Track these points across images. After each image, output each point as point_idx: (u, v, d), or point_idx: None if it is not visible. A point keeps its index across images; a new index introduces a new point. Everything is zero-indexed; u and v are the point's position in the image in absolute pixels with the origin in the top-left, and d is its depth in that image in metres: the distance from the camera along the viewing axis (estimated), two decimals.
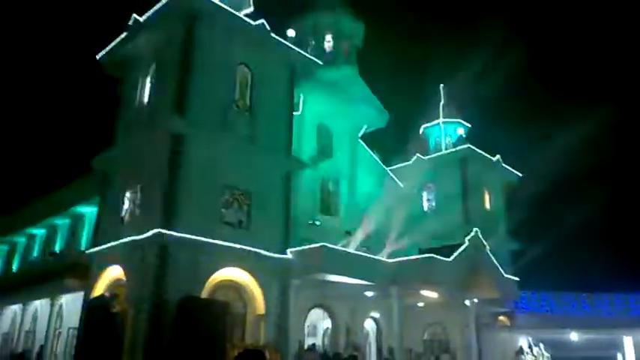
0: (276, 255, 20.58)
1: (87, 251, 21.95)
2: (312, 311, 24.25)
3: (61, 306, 24.33)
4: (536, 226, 38.29)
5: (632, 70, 67.80)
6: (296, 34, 25.54)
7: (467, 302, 25.48)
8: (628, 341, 27.54)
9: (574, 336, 28.62)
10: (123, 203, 20.61)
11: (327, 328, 25.41)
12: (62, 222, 28.40)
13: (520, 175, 35.16)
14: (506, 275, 26.38)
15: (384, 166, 32.36)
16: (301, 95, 26.53)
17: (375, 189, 30.30)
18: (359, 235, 26.61)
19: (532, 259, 33.10)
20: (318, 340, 25.31)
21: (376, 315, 26.79)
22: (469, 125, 35.86)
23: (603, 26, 67.57)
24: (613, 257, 44.68)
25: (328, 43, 31.10)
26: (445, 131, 35.45)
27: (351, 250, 23.88)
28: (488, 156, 33.28)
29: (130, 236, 18.91)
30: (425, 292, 23.93)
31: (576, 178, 50.47)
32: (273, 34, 22.54)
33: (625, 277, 36.78)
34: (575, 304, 28.52)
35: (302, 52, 24.43)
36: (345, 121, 29.33)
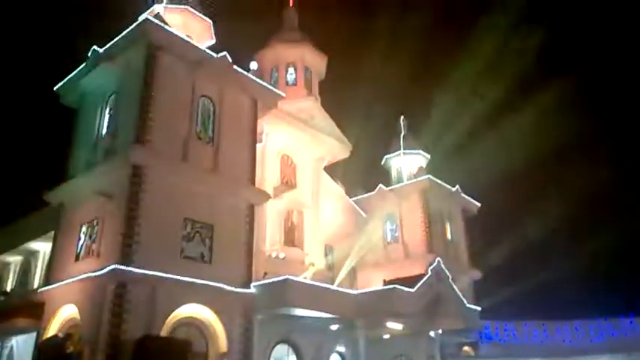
0: (239, 290, 20.12)
1: (40, 289, 20.92)
2: (277, 347, 23.67)
3: (11, 348, 22.97)
4: (495, 256, 38.91)
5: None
6: (259, 66, 25.70)
7: (431, 333, 25.48)
8: None
9: None
10: (79, 239, 19.85)
11: None
12: (14, 259, 27.10)
13: (478, 204, 35.93)
14: (468, 305, 26.56)
15: (347, 197, 32.48)
16: (265, 126, 26.53)
17: (338, 220, 30.32)
18: (323, 267, 26.42)
19: (493, 289, 33.54)
20: None
21: (342, 349, 26.38)
22: (429, 156, 36.60)
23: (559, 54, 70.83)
24: (572, 285, 45.81)
25: (291, 75, 31.44)
26: (406, 162, 36.04)
27: (315, 282, 23.60)
28: (448, 186, 33.94)
29: (85, 273, 18.15)
30: (390, 324, 23.78)
31: (535, 207, 51.96)
32: (235, 67, 22.59)
33: (584, 305, 37.72)
34: (537, 332, 28.92)
35: (265, 84, 24.56)
36: (308, 151, 29.45)
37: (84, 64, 22.12)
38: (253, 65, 24.43)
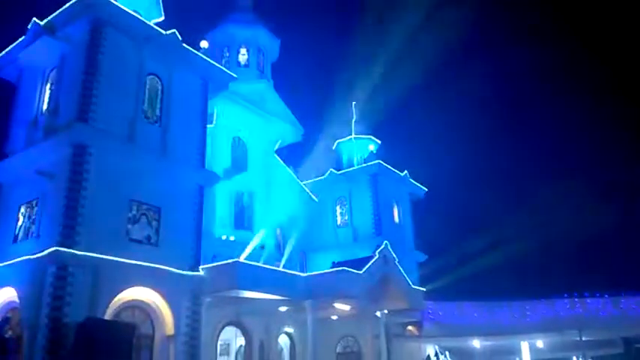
0: (187, 272, 19.91)
1: None
2: (225, 329, 23.68)
3: None
4: (439, 239, 40.19)
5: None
6: (210, 46, 25.18)
7: (377, 313, 26.13)
8: (525, 346, 29.53)
9: (477, 343, 30.25)
10: (17, 219, 19.04)
11: (241, 346, 24.92)
12: None
13: (425, 190, 36.90)
14: (413, 286, 27.37)
15: (298, 181, 32.58)
16: (215, 107, 26.13)
17: (289, 203, 30.39)
18: (273, 250, 26.49)
19: (437, 270, 34.70)
20: (231, 359, 24.74)
21: (290, 330, 26.70)
22: (379, 141, 37.14)
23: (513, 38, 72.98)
24: (511, 268, 47.93)
25: (243, 56, 31.07)
26: (357, 147, 36.45)
27: (264, 265, 23.68)
28: (397, 171, 34.63)
29: (24, 255, 17.46)
30: (338, 305, 24.22)
31: (479, 193, 53.84)
32: (185, 45, 22.05)
33: (522, 287, 39.65)
34: (477, 312, 30.15)
35: (215, 64, 24.09)
36: (260, 134, 29.29)
37: (23, 37, 20.99)
38: (204, 44, 23.92)
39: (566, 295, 30.34)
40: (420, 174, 36.79)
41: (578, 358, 29.10)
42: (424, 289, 28.70)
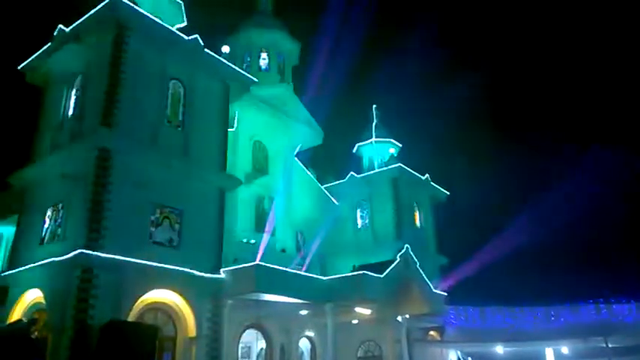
0: (209, 275, 20.06)
1: (3, 273, 20.42)
2: (246, 332, 23.77)
3: None
4: (462, 243, 39.74)
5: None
6: (231, 50, 25.39)
7: (399, 318, 25.94)
8: (549, 352, 28.97)
9: (500, 349, 29.77)
10: (43, 222, 19.43)
11: (262, 349, 24.98)
12: None
13: (447, 193, 36.55)
14: (435, 290, 27.12)
15: (319, 184, 32.60)
16: (236, 112, 26.31)
17: (310, 207, 30.43)
18: (294, 253, 26.53)
19: (459, 275, 34.28)
20: None
21: (311, 334, 26.68)
22: (400, 145, 36.95)
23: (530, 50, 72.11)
24: (535, 272, 47.18)
25: (264, 60, 31.21)
26: (377, 150, 36.34)
27: (286, 268, 23.70)
28: (418, 175, 34.40)
29: (50, 257, 17.80)
30: (358, 309, 24.13)
31: (502, 196, 53.11)
32: (206, 50, 22.29)
33: (545, 291, 38.94)
34: (500, 317, 29.71)
35: (236, 68, 24.31)
36: (280, 138, 29.37)
37: (50, 43, 21.47)
38: (225, 49, 24.14)
39: (591, 301, 29.69)
40: (441, 178, 36.52)
41: None
42: (446, 294, 28.41)
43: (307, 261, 26.94)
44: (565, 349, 29.47)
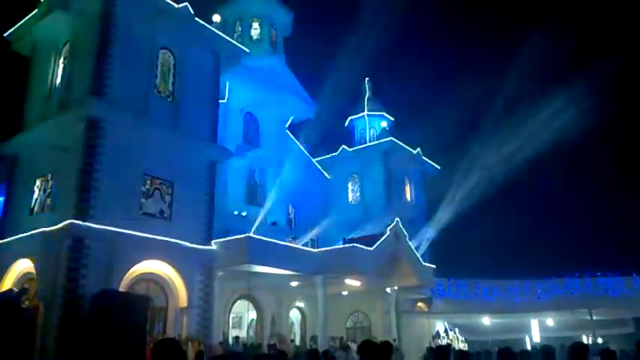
0: (200, 246, 20.14)
1: None
2: (237, 303, 24.03)
3: None
4: (452, 217, 40.09)
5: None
6: (222, 20, 24.96)
7: (388, 290, 26.31)
8: (535, 324, 29.63)
9: (486, 320, 30.40)
10: (33, 192, 19.32)
11: (253, 320, 25.30)
12: None
13: (438, 167, 36.68)
14: (424, 263, 27.44)
15: (310, 157, 32.55)
16: (227, 83, 26.03)
17: (301, 179, 30.43)
18: (285, 226, 26.65)
19: (448, 248, 34.73)
20: (243, 332, 25.15)
21: (301, 305, 27.03)
22: (392, 118, 36.85)
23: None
24: (523, 246, 47.87)
25: (255, 30, 30.73)
26: (370, 124, 36.23)
27: (276, 240, 23.83)
28: (410, 149, 34.42)
29: (40, 227, 17.76)
30: (348, 281, 24.41)
31: (493, 172, 53.36)
32: (197, 19, 21.89)
33: (533, 265, 39.59)
34: (487, 290, 30.21)
35: (228, 38, 23.94)
36: (272, 110, 29.16)
37: (36, 10, 20.98)
38: (216, 18, 23.75)
39: (577, 274, 30.24)
40: (432, 152, 36.53)
41: (588, 337, 29.09)
42: (434, 266, 28.77)
43: (298, 233, 27.08)
44: (550, 321, 30.15)
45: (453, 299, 29.99)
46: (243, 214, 25.95)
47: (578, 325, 29.75)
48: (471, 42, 69.83)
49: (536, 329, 29.52)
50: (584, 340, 27.57)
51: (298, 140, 32.00)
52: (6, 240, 19.39)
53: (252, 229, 21.83)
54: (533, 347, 26.78)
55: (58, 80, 20.44)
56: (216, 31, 22.97)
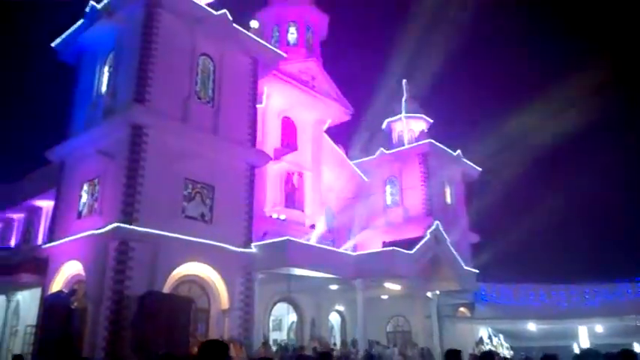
0: (240, 249, 20.35)
1: (44, 246, 21.18)
2: (277, 305, 24.17)
3: (17, 303, 23.39)
4: (495, 220, 39.21)
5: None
6: (259, 25, 25.26)
7: (429, 294, 25.92)
8: (583, 330, 28.57)
9: (532, 326, 29.51)
10: (80, 197, 19.97)
11: (293, 322, 25.38)
12: (17, 216, 27.33)
13: (479, 169, 35.96)
14: (466, 267, 26.92)
15: (348, 160, 32.49)
16: (265, 87, 26.30)
17: (339, 182, 30.41)
18: (324, 229, 26.64)
19: (491, 252, 33.94)
20: (283, 334, 25.28)
21: (341, 308, 26.94)
22: (431, 120, 36.38)
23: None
24: (569, 250, 46.32)
25: (292, 35, 30.96)
26: (407, 126, 35.86)
27: (315, 243, 23.87)
28: (449, 150, 33.89)
29: (88, 230, 18.33)
30: (388, 285, 24.18)
31: (536, 173, 52.04)
32: (235, 25, 22.22)
33: (580, 269, 38.23)
34: (533, 295, 29.37)
35: (265, 43, 24.19)
36: (309, 114, 29.28)
37: (81, 20, 21.74)
38: (254, 24, 24.03)
39: (627, 279, 29.06)
40: (474, 154, 35.85)
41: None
42: (477, 271, 28.19)
43: (337, 237, 27.04)
44: (599, 328, 29.02)
45: (497, 304, 29.29)
46: (282, 217, 26.10)
47: (629, 332, 28.51)
48: (509, 39, 68.32)
49: (585, 336, 28.46)
50: (637, 348, 26.39)
51: (336, 143, 32.00)
52: (56, 243, 20.10)
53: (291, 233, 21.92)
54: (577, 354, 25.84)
55: (103, 88, 21.09)
56: (254, 37, 23.25)
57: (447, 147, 33.79)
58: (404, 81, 37.15)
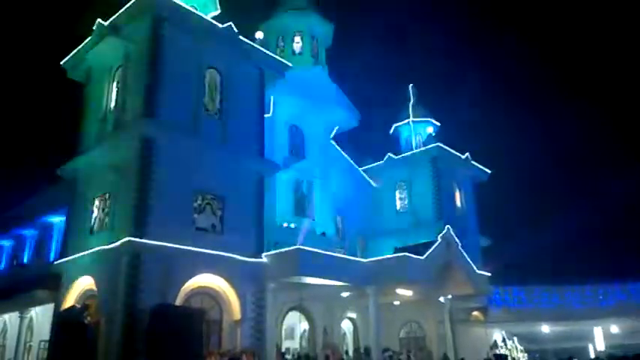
0: (251, 259, 20.42)
1: (56, 262, 21.37)
2: (289, 314, 24.16)
3: (31, 319, 23.62)
4: (505, 222, 39.01)
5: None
6: (264, 35, 25.41)
7: (441, 299, 25.82)
8: (598, 332, 28.31)
9: (546, 328, 29.31)
10: (92, 212, 20.16)
11: (305, 330, 25.36)
12: (30, 232, 27.61)
13: (489, 172, 35.78)
14: (478, 271, 26.78)
15: (356, 166, 32.50)
16: (272, 97, 26.43)
17: (348, 189, 30.40)
18: (334, 236, 26.64)
19: (502, 255, 33.72)
20: (295, 343, 25.26)
21: (353, 315, 26.89)
22: (438, 124, 36.30)
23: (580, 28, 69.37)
24: (581, 250, 45.91)
25: (297, 44, 31.09)
26: (415, 130, 35.80)
27: (326, 251, 23.85)
28: (458, 154, 33.77)
29: (100, 245, 18.50)
30: (400, 291, 24.11)
31: (545, 174, 51.72)
32: (241, 37, 22.39)
33: (593, 269, 37.85)
34: (546, 296, 29.15)
35: (271, 54, 24.36)
36: (316, 121, 29.33)
37: (89, 38, 22.02)
38: (259, 35, 24.18)
39: None
40: (483, 157, 35.68)
41: None
42: (489, 274, 28.02)
43: (348, 244, 27.03)
44: (615, 328, 28.74)
45: (510, 307, 29.11)
46: (292, 225, 26.14)
47: None
48: (515, 43, 68.08)
49: (600, 337, 28.19)
50: None
51: (344, 150, 32.03)
52: (69, 258, 20.28)
53: (301, 241, 21.94)
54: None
55: (113, 103, 21.31)
56: (260, 48, 23.41)
57: (456, 150, 33.66)
58: (410, 85, 37.12)
